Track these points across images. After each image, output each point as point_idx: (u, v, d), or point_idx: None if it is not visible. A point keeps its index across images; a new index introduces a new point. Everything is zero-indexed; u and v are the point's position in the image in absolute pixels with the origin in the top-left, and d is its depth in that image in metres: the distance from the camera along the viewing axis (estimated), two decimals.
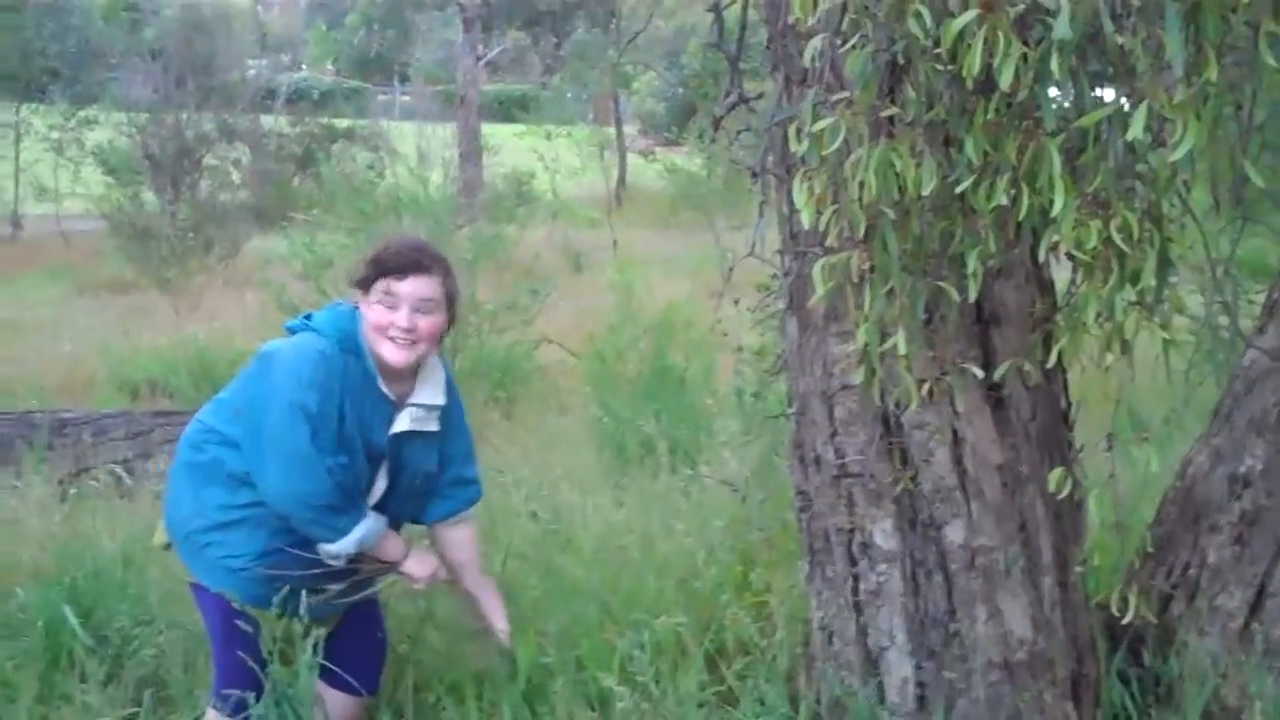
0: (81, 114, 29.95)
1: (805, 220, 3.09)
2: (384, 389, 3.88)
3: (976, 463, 3.54)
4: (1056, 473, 3.25)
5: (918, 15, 2.73)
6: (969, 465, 3.54)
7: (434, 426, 3.99)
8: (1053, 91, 2.78)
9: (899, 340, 3.08)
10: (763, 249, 3.73)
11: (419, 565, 4.03)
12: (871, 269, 3.08)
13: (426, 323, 3.85)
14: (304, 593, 3.73)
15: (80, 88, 32.01)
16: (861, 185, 2.92)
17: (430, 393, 3.98)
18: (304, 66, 52.76)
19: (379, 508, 3.93)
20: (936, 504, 3.58)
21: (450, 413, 4.07)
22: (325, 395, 3.74)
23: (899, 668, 3.72)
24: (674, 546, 4.91)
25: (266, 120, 29.22)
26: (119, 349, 12.42)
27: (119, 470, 7.14)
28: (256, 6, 54.19)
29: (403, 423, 3.90)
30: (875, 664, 3.75)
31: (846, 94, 2.98)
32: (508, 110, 43.29)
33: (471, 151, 27.02)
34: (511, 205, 15.40)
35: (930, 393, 3.33)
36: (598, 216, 24.15)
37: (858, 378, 3.38)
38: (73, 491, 6.56)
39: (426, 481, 4.07)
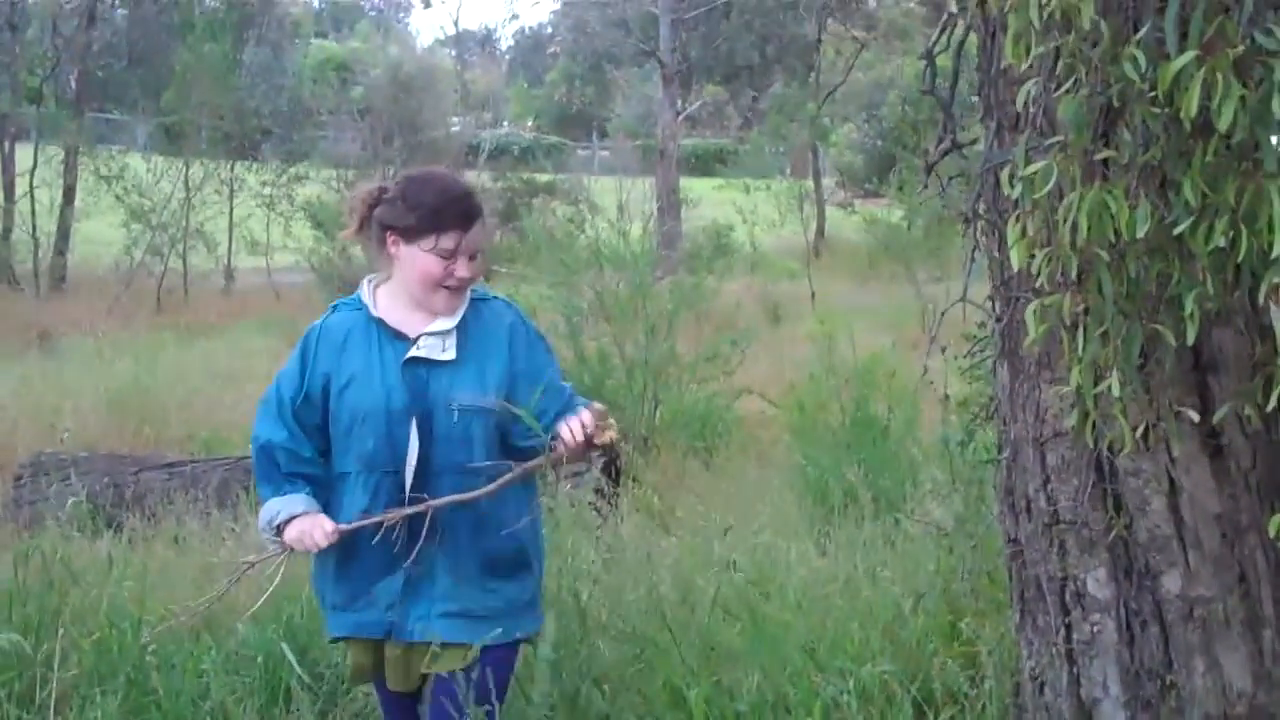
0: (292, 170, 30.92)
1: (1016, 263, 3.08)
2: (396, 327, 3.84)
3: (1194, 511, 3.47)
4: (1277, 520, 3.18)
5: (1133, 59, 2.72)
6: (1186, 514, 3.47)
7: (449, 355, 3.82)
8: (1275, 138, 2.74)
9: (1113, 384, 3.05)
10: (971, 295, 3.73)
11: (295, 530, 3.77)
12: (1086, 311, 3.05)
13: (476, 268, 3.85)
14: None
15: (291, 145, 32.99)
16: (1074, 228, 2.91)
17: (443, 321, 3.84)
18: (505, 123, 53.70)
19: (422, 466, 3.77)
20: (1152, 553, 3.51)
21: (516, 358, 3.88)
22: (299, 360, 3.90)
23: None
24: (880, 594, 4.88)
25: (469, 176, 29.80)
26: None
27: None
28: (459, 65, 55.41)
29: (416, 350, 3.82)
30: (1089, 716, 3.68)
31: (1060, 138, 2.97)
32: (706, 164, 43.53)
33: (670, 205, 27.24)
34: (710, 258, 15.48)
35: (1146, 438, 3.28)
36: (796, 268, 24.16)
37: (1071, 423, 3.35)
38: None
39: (471, 422, 3.79)
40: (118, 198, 29.15)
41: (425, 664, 3.76)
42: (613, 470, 8.33)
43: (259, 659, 4.94)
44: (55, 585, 5.37)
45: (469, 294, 3.86)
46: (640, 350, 11.00)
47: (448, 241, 3.76)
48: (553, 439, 3.72)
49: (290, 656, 4.83)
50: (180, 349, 16.76)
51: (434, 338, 3.81)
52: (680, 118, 31.46)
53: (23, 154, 31.95)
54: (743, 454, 9.98)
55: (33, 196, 30.72)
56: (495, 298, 3.97)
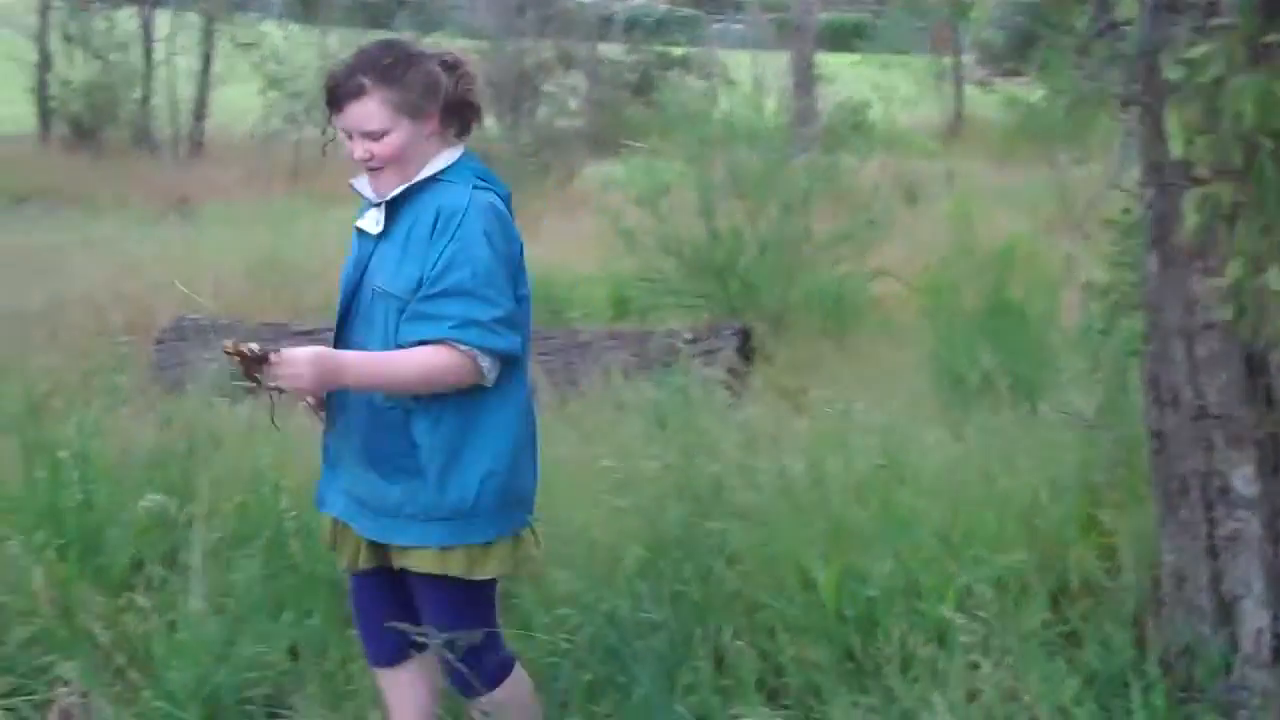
0: (425, 40, 30.91)
1: (1176, 150, 2.99)
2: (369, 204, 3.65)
3: None
4: None
5: None
6: None
7: (375, 228, 3.60)
8: None
9: (1271, 277, 2.96)
10: (1118, 181, 3.63)
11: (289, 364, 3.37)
12: (1246, 202, 2.95)
13: (381, 147, 3.51)
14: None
15: (424, 15, 32.97)
16: (1239, 115, 2.81)
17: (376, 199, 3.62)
18: None
19: (339, 342, 3.60)
20: None
21: (430, 249, 3.46)
22: None
23: (1254, 618, 3.60)
24: (1016, 483, 4.82)
25: (603, 48, 29.62)
26: None
27: None
28: None
29: (360, 220, 3.68)
30: (1229, 612, 3.64)
31: (1225, 20, 2.86)
32: (843, 39, 42.83)
33: (806, 80, 26.80)
34: (846, 135, 15.28)
35: None
36: (933, 148, 23.77)
37: (1223, 315, 3.26)
38: None
39: (375, 305, 3.53)
40: (254, 65, 29.40)
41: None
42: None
43: None
44: (197, 449, 5.48)
45: (407, 170, 3.55)
46: (774, 228, 10.91)
47: (339, 122, 3.58)
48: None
49: None
50: (316, 216, 16.90)
51: (375, 210, 3.61)
52: None
53: (161, 20, 32.27)
54: (876, 336, 9.89)
55: (171, 63, 31.10)
56: (456, 184, 3.53)
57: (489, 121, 18.25)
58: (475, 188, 3.51)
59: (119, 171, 24.68)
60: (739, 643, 4.28)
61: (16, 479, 5.25)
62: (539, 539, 3.72)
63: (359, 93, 3.48)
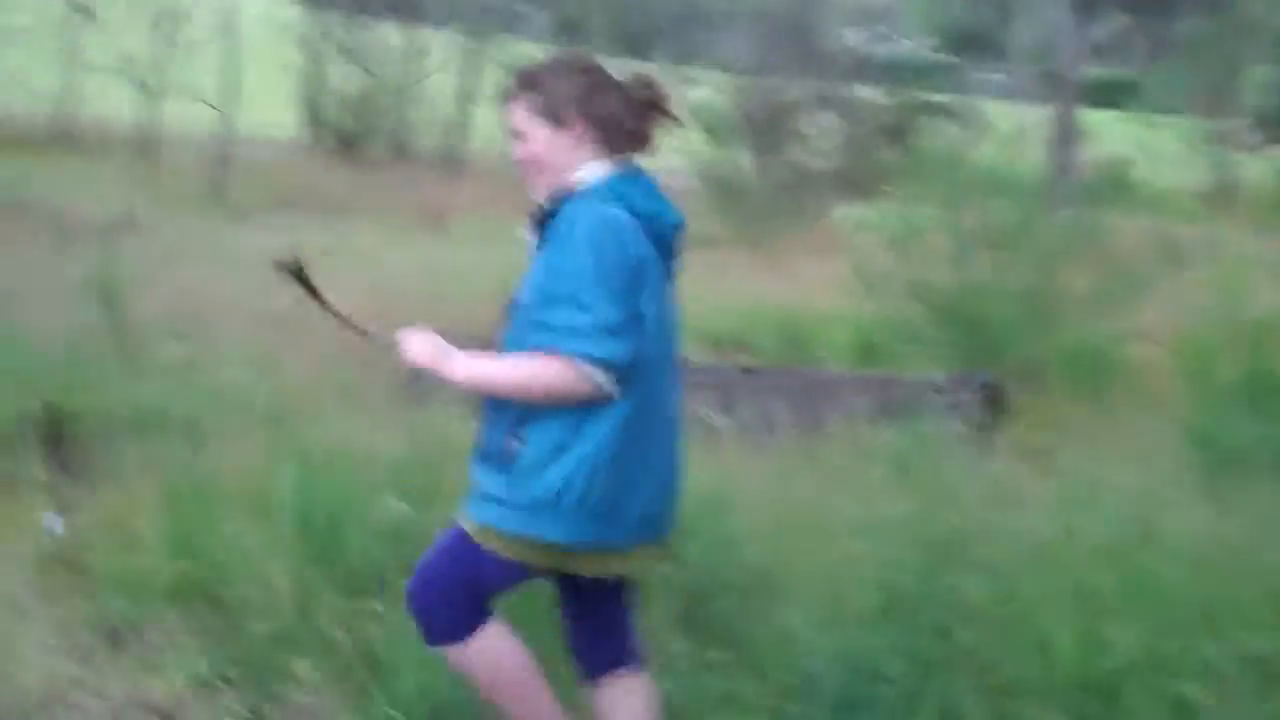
0: (683, 72, 31.17)
1: None
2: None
3: None
4: None
5: None
6: None
7: (532, 240, 3.65)
8: None
9: None
10: None
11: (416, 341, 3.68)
12: None
13: (523, 149, 3.65)
14: None
15: (682, 47, 33.26)
16: None
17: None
18: (901, 38, 52.90)
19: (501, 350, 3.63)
20: None
21: (548, 245, 3.55)
22: None
23: None
24: (1276, 559, 4.61)
25: (861, 90, 29.49)
26: (705, 302, 12.83)
27: (704, 416, 7.36)
28: None
29: (521, 230, 3.73)
30: None
31: None
32: (1108, 95, 41.97)
33: (1067, 134, 26.35)
34: (1106, 192, 14.95)
35: None
36: (1198, 211, 23.12)
37: None
38: None
39: (518, 313, 3.59)
40: None
41: None
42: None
43: None
44: (441, 460, 5.55)
45: (552, 179, 3.62)
46: (1028, 282, 10.70)
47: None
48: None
49: None
50: None
51: (530, 221, 3.67)
52: (1084, 45, 30.33)
53: (427, 38, 33.18)
54: (1129, 399, 9.61)
55: (434, 80, 31.93)
56: (590, 198, 3.54)
57: (741, 155, 18.45)
58: (603, 200, 3.51)
59: (378, 182, 25.39)
60: (970, 701, 4.17)
61: (264, 477, 5.38)
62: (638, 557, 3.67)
63: (509, 95, 3.67)
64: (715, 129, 25.42)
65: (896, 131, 27.63)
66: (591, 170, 3.59)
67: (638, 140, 3.67)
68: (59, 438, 6.81)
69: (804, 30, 29.50)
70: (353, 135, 32.47)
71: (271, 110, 32.05)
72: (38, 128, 27.81)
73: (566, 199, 3.56)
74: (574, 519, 3.45)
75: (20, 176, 17.73)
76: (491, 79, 30.72)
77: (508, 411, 3.52)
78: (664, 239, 3.58)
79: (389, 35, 33.79)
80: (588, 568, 3.59)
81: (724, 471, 5.87)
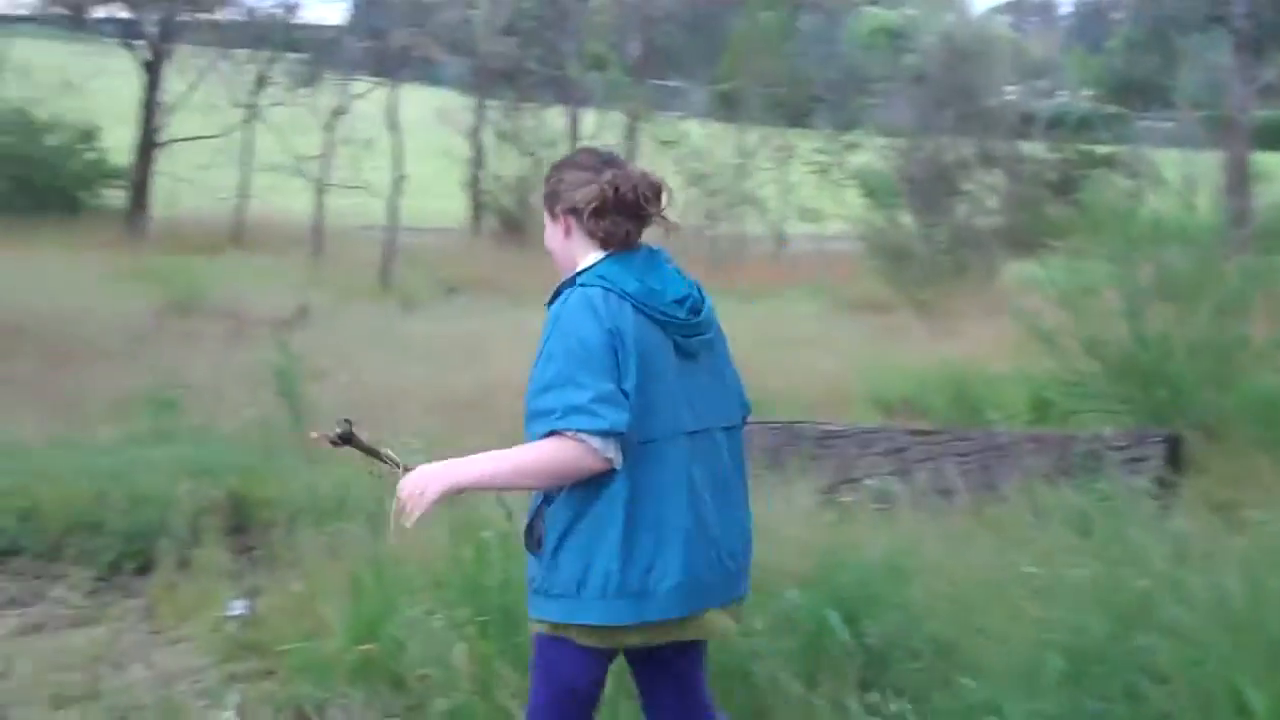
0: (845, 138, 31.20)
1: None
2: None
3: None
4: None
5: None
6: None
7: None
8: None
9: None
10: None
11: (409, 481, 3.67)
12: None
13: (546, 237, 3.88)
14: None
15: (843, 113, 33.28)
16: None
17: None
18: (1062, 92, 52.29)
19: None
20: None
21: (544, 333, 3.66)
22: None
23: None
24: None
25: (1024, 146, 29.22)
26: (875, 366, 12.76)
27: (880, 483, 7.29)
28: (1016, 32, 54.32)
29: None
30: None
31: None
32: None
33: (1240, 179, 25.78)
34: None
35: None
36: None
37: None
38: (836, 501, 6.77)
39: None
40: (675, 163, 30.25)
41: None
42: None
43: (807, 625, 4.96)
44: None
45: (562, 265, 3.81)
46: (1206, 333, 10.44)
47: None
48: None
49: (838, 624, 4.83)
50: (733, 310, 17.14)
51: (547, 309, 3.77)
52: (1253, 87, 29.70)
53: (587, 118, 33.61)
54: None
55: None
56: (577, 285, 3.66)
57: (905, 218, 18.36)
58: (589, 285, 3.62)
59: (545, 263, 25.60)
60: None
61: (443, 556, 5.44)
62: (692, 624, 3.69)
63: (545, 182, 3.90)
64: (878, 192, 25.37)
65: (1063, 185, 27.31)
66: (589, 258, 3.72)
67: (616, 229, 3.73)
68: (242, 525, 6.98)
69: (964, 90, 29.33)
70: (518, 218, 32.96)
71: (437, 199, 32.72)
72: (216, 226, 28.68)
73: (566, 286, 3.70)
74: (603, 603, 3.55)
75: (200, 274, 18.28)
76: (650, 156, 31.01)
77: (535, 496, 3.69)
78: (667, 315, 3.64)
79: (551, 118, 34.34)
80: (643, 639, 3.65)
81: (900, 538, 5.80)
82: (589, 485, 3.54)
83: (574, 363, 3.51)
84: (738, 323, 14.79)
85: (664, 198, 3.77)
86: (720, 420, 3.76)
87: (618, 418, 3.47)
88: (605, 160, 3.80)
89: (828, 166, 31.00)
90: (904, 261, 20.13)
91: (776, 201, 31.70)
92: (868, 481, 7.43)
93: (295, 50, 30.86)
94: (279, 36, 30.39)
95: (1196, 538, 5.70)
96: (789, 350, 14.28)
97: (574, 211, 3.73)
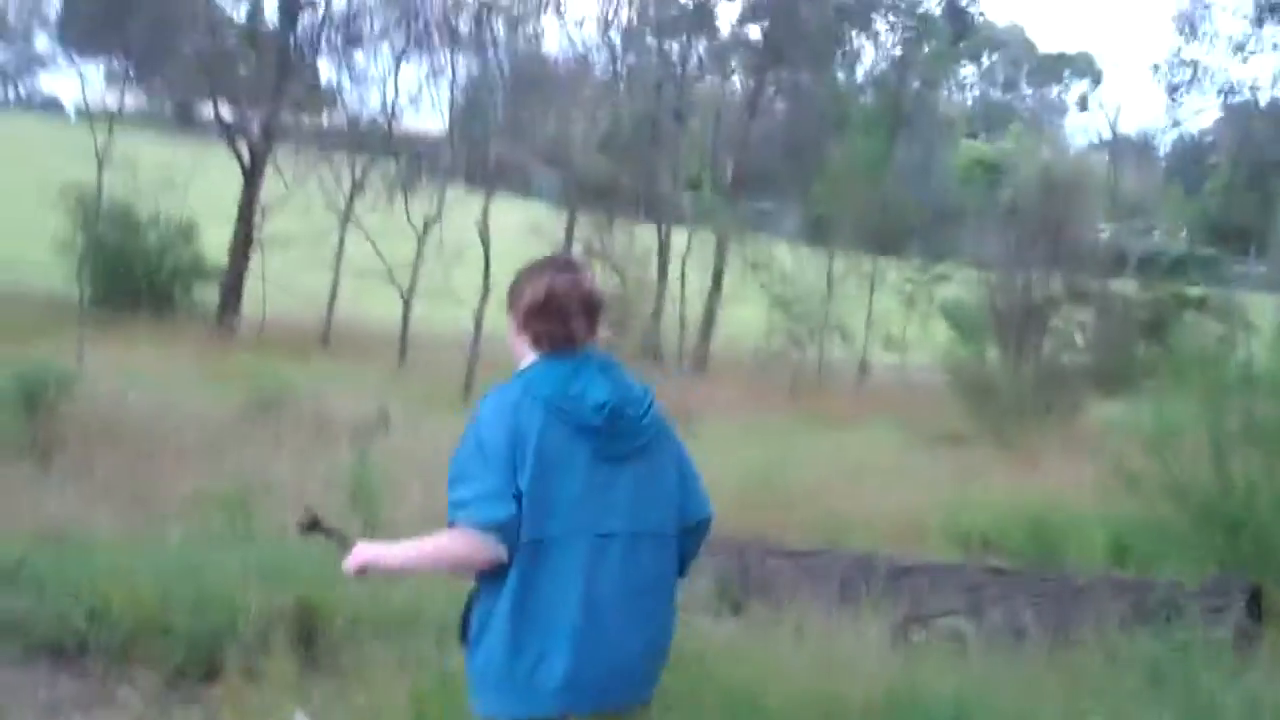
0: (934, 270, 31.19)
1: None
2: None
3: None
4: None
5: None
6: None
7: None
8: None
9: None
10: None
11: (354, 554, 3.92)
12: None
13: None
14: None
15: (935, 243, 33.31)
16: None
17: None
18: (1157, 231, 52.08)
19: None
20: None
21: None
22: None
23: None
24: None
25: (1115, 284, 29.05)
26: (953, 501, 12.62)
27: (952, 621, 7.19)
28: (1112, 170, 54.24)
29: None
30: None
31: None
32: None
33: None
34: None
35: None
36: None
37: None
38: (908, 637, 6.69)
39: None
40: (762, 285, 30.33)
41: None
42: None
43: None
44: (685, 664, 5.51)
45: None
46: None
47: None
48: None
49: None
50: (812, 438, 17.14)
51: None
52: None
53: (677, 236, 33.84)
54: None
55: (684, 280, 32.44)
56: (496, 388, 3.83)
57: (992, 352, 18.21)
58: (505, 385, 3.77)
59: None
60: None
61: None
62: None
63: None
64: (965, 325, 25.30)
65: (1153, 326, 27.08)
66: (527, 358, 3.83)
67: (553, 336, 3.80)
68: (310, 633, 6.96)
69: (1058, 225, 29.27)
70: (604, 336, 33.06)
71: None
72: (305, 328, 29.04)
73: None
74: (496, 694, 3.68)
75: (287, 376, 18.47)
76: (738, 278, 31.12)
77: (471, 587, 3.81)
78: (582, 421, 3.68)
79: (641, 235, 34.61)
80: None
81: (971, 680, 5.71)
82: (492, 579, 3.66)
83: (472, 459, 3.65)
84: (818, 447, 14.78)
85: (596, 311, 3.87)
86: (644, 526, 3.75)
87: (496, 513, 3.58)
88: (559, 266, 3.95)
89: (915, 296, 30.97)
90: (988, 396, 20.02)
91: (861, 329, 31.67)
92: (940, 620, 7.33)
93: (393, 156, 31.34)
94: (378, 142, 30.89)
95: (1272, 692, 5.58)
96: (866, 480, 14.18)
97: (519, 311, 3.84)
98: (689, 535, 3.90)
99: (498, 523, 3.58)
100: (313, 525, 4.12)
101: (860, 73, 41.30)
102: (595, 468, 3.68)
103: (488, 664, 3.68)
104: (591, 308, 3.84)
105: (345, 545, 3.97)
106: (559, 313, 3.78)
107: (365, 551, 3.87)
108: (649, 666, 3.80)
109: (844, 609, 7.37)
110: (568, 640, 3.62)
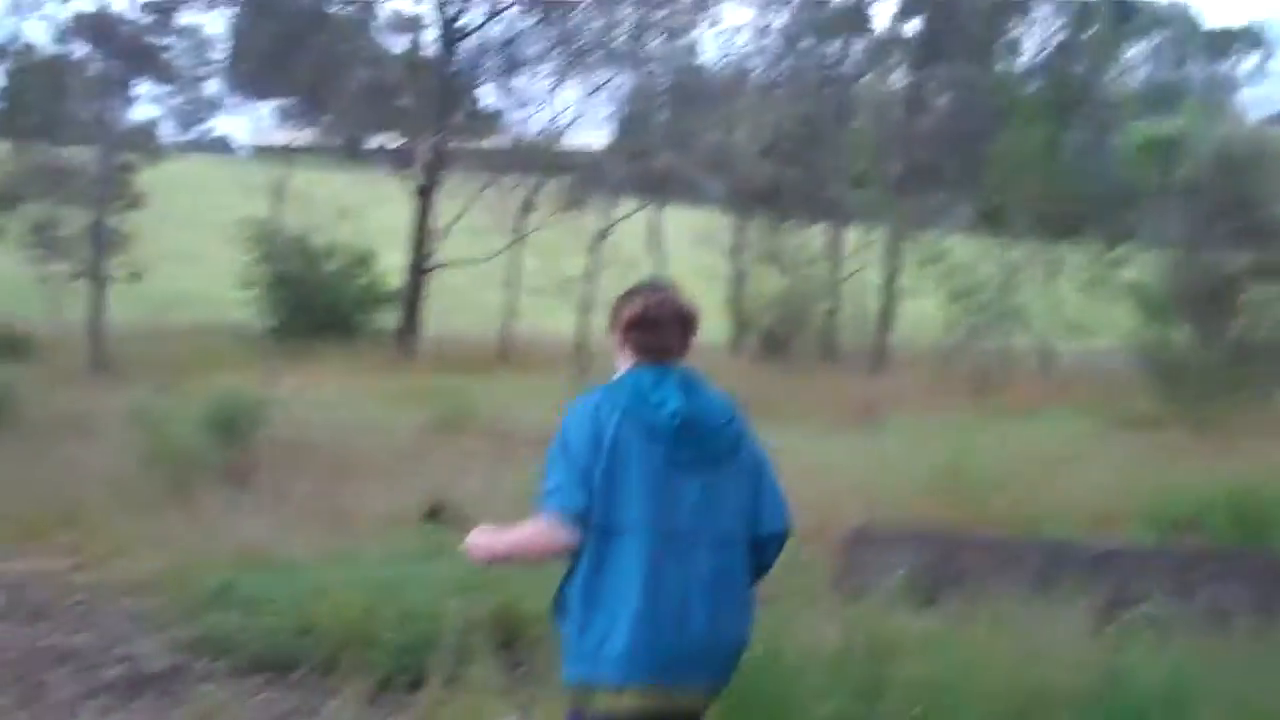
0: (1114, 253, 30.54)
1: None
2: None
3: None
4: None
5: None
6: None
7: None
8: None
9: None
10: None
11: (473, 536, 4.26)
12: None
13: None
14: None
15: (1113, 227, 32.60)
16: None
17: None
18: None
19: None
20: None
21: None
22: None
23: None
24: None
25: None
26: (1149, 485, 12.31)
27: (1159, 606, 7.01)
28: None
29: None
30: None
31: None
32: None
33: None
34: None
35: None
36: None
37: None
38: (1112, 623, 6.54)
39: None
40: (939, 279, 30.00)
41: None
42: None
43: None
44: (879, 655, 5.46)
45: None
46: None
47: None
48: None
49: None
50: (999, 428, 16.86)
51: None
52: None
53: (849, 236, 33.63)
54: None
55: (858, 278, 32.23)
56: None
57: (1179, 333, 17.81)
58: (593, 392, 4.21)
59: (804, 382, 25.63)
60: None
61: None
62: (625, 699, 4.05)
63: None
64: (1151, 307, 24.73)
65: None
66: (622, 369, 4.28)
67: (641, 344, 4.26)
68: (512, 640, 7.03)
69: (1239, 201, 28.48)
70: (779, 338, 33.02)
71: (705, 319, 32.96)
72: (484, 347, 29.40)
73: None
74: (574, 661, 4.09)
75: (469, 393, 18.72)
76: (913, 273, 30.80)
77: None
78: (656, 426, 4.09)
79: (811, 237, 34.45)
80: (607, 706, 4.05)
81: (1177, 663, 5.56)
82: (574, 562, 4.07)
83: (557, 455, 4.09)
84: (1005, 439, 14.52)
85: (688, 324, 4.33)
86: (710, 528, 4.11)
87: (570, 501, 4.00)
88: (652, 288, 4.48)
89: (1097, 281, 30.33)
90: (1179, 377, 19.54)
91: (1042, 317, 31.11)
92: (1144, 604, 7.15)
93: (560, 174, 31.61)
94: (544, 161, 31.17)
95: None
96: (1057, 468, 13.89)
97: (620, 327, 4.29)
98: (764, 547, 4.24)
99: (571, 511, 3.99)
100: (434, 513, 4.49)
101: (1022, 62, 40.64)
102: (666, 470, 4.08)
103: (568, 637, 4.10)
104: (684, 322, 4.31)
105: (466, 532, 4.26)
106: (653, 325, 4.24)
107: (479, 538, 4.22)
108: (711, 657, 4.13)
109: (1042, 598, 7.23)
110: (627, 622, 4.00)
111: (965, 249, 30.80)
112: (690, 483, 4.09)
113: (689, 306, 4.36)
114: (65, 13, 34.37)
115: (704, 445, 4.13)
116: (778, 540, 4.26)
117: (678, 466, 4.08)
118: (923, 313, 30.23)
